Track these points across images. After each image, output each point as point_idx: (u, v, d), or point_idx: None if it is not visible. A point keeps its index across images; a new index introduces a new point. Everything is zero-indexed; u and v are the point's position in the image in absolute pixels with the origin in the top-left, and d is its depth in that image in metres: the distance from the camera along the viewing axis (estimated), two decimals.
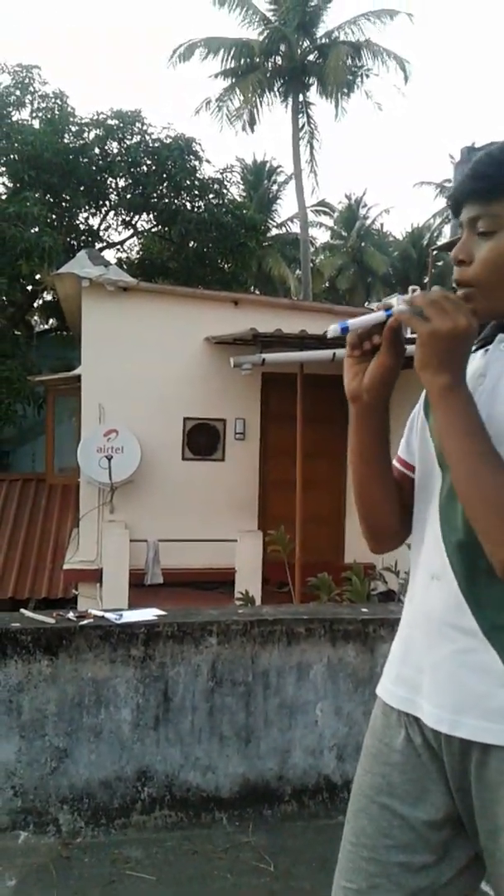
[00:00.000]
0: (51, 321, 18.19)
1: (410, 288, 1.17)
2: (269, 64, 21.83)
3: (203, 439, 9.67)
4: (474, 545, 1.14)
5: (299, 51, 21.61)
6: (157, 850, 2.65)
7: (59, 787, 2.74)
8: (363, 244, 30.56)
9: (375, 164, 74.87)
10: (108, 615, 2.89)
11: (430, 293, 1.14)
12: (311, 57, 21.91)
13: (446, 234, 19.84)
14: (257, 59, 21.42)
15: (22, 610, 3.00)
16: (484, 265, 1.21)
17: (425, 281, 18.40)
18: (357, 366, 1.25)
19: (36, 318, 18.66)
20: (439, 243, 18.99)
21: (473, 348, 1.27)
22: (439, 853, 1.25)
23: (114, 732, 2.77)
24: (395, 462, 1.43)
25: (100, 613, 2.92)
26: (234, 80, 21.83)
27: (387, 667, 1.37)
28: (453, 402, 1.14)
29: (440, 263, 26.08)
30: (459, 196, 1.25)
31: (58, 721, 2.74)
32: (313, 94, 22.29)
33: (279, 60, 21.82)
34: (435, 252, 19.85)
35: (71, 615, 2.88)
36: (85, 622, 2.80)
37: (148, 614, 2.93)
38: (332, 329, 1.19)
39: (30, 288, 15.47)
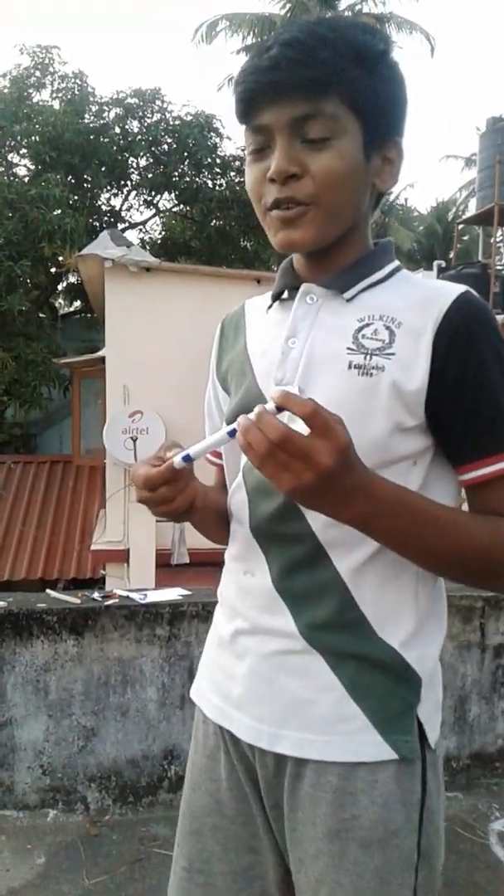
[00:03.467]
0: (75, 303, 18.21)
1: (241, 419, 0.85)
2: None
3: None
4: (292, 536, 0.99)
5: None
6: None
7: (87, 766, 2.76)
8: (387, 219, 30.12)
9: None
10: (133, 595, 2.89)
11: (258, 440, 0.82)
12: None
13: (472, 209, 19.53)
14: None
15: (48, 590, 3.01)
16: (327, 179, 0.95)
17: (450, 256, 18.14)
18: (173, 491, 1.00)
19: (60, 300, 18.68)
20: (465, 217, 18.70)
21: (268, 303, 1.13)
22: (281, 880, 1.07)
23: (140, 711, 2.78)
24: (208, 454, 1.25)
25: (125, 593, 2.92)
26: None
27: (200, 668, 1.21)
28: (382, 521, 0.90)
29: (466, 238, 25.73)
30: (275, 85, 0.93)
31: (85, 700, 2.75)
32: None
33: None
34: (461, 226, 19.57)
35: (96, 595, 2.89)
36: (110, 602, 2.80)
37: (172, 594, 2.93)
38: (178, 462, 0.96)
39: (53, 270, 15.45)
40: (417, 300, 0.99)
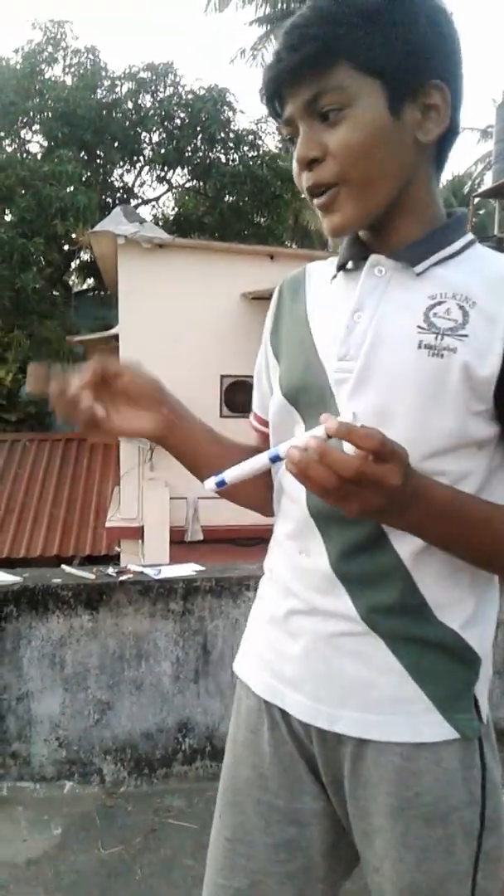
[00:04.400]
0: (88, 281, 18.20)
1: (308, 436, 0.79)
2: None
3: (240, 397, 9.63)
4: (353, 518, 0.90)
5: None
6: (199, 800, 2.69)
7: (103, 739, 2.79)
8: None
9: None
10: (147, 570, 2.91)
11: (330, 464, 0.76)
12: None
13: (488, 182, 19.28)
14: (294, 5, 20.81)
15: (63, 566, 3.04)
16: (347, 153, 0.91)
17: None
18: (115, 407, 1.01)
19: (74, 278, 18.66)
20: (481, 190, 18.44)
21: (332, 274, 1.07)
22: (327, 850, 1.08)
23: (154, 685, 2.81)
24: (252, 420, 1.24)
25: (139, 569, 2.94)
26: (269, 28, 21.27)
27: (245, 642, 1.17)
28: (433, 525, 0.90)
29: (482, 212, 25.45)
30: (281, 79, 0.93)
31: (100, 674, 2.77)
32: None
33: None
34: (477, 200, 19.32)
35: (111, 571, 2.91)
36: (124, 577, 2.82)
37: (186, 569, 2.95)
38: (208, 484, 0.89)
39: (66, 248, 15.44)
40: (494, 279, 0.94)
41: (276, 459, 0.83)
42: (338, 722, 1.00)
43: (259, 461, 0.85)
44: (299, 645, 1.03)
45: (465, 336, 0.91)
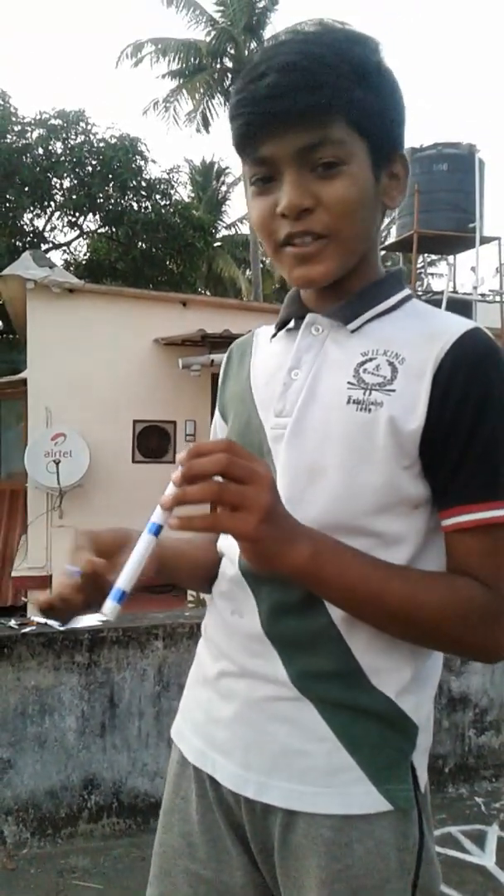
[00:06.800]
0: None
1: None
2: (217, 65, 21.83)
3: (153, 442, 9.62)
4: (284, 578, 0.89)
5: (246, 52, 21.64)
6: (105, 859, 2.61)
7: (4, 799, 2.68)
8: None
9: None
10: (51, 622, 2.84)
11: (198, 483, 0.77)
12: None
13: (392, 235, 20.05)
14: (205, 61, 21.37)
15: None
16: (342, 208, 0.90)
17: None
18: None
19: None
20: (387, 243, 19.14)
21: (272, 333, 1.09)
22: None
23: (59, 741, 2.72)
24: None
25: (42, 620, 2.87)
26: (181, 81, 21.76)
27: (181, 705, 1.14)
28: (331, 566, 0.87)
29: (388, 264, 26.33)
30: (277, 117, 0.88)
31: (0, 732, 2.67)
32: None
33: (227, 62, 21.83)
34: (382, 253, 20.00)
35: (12, 623, 2.82)
36: (27, 629, 2.74)
37: (92, 620, 2.89)
38: (110, 609, 0.80)
39: None
40: (423, 336, 0.93)
41: (157, 529, 0.79)
42: (266, 792, 0.96)
43: (143, 543, 0.80)
44: (231, 708, 1.00)
45: (393, 391, 0.91)
